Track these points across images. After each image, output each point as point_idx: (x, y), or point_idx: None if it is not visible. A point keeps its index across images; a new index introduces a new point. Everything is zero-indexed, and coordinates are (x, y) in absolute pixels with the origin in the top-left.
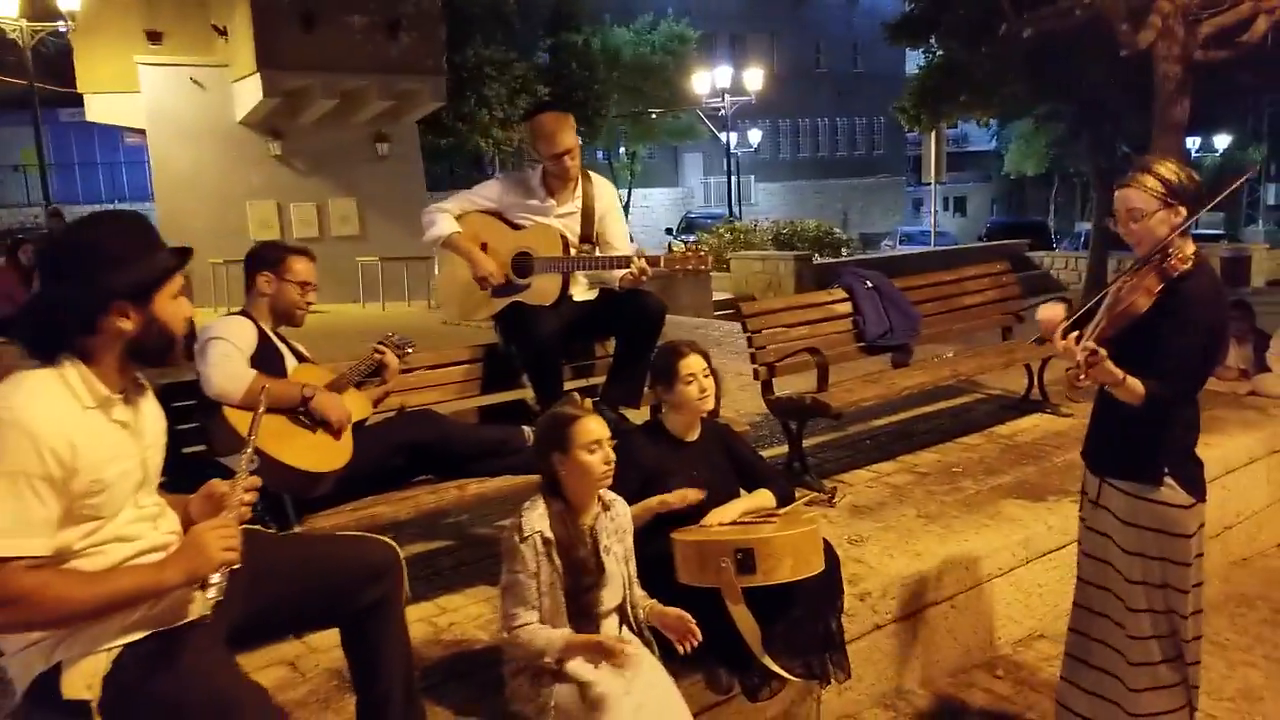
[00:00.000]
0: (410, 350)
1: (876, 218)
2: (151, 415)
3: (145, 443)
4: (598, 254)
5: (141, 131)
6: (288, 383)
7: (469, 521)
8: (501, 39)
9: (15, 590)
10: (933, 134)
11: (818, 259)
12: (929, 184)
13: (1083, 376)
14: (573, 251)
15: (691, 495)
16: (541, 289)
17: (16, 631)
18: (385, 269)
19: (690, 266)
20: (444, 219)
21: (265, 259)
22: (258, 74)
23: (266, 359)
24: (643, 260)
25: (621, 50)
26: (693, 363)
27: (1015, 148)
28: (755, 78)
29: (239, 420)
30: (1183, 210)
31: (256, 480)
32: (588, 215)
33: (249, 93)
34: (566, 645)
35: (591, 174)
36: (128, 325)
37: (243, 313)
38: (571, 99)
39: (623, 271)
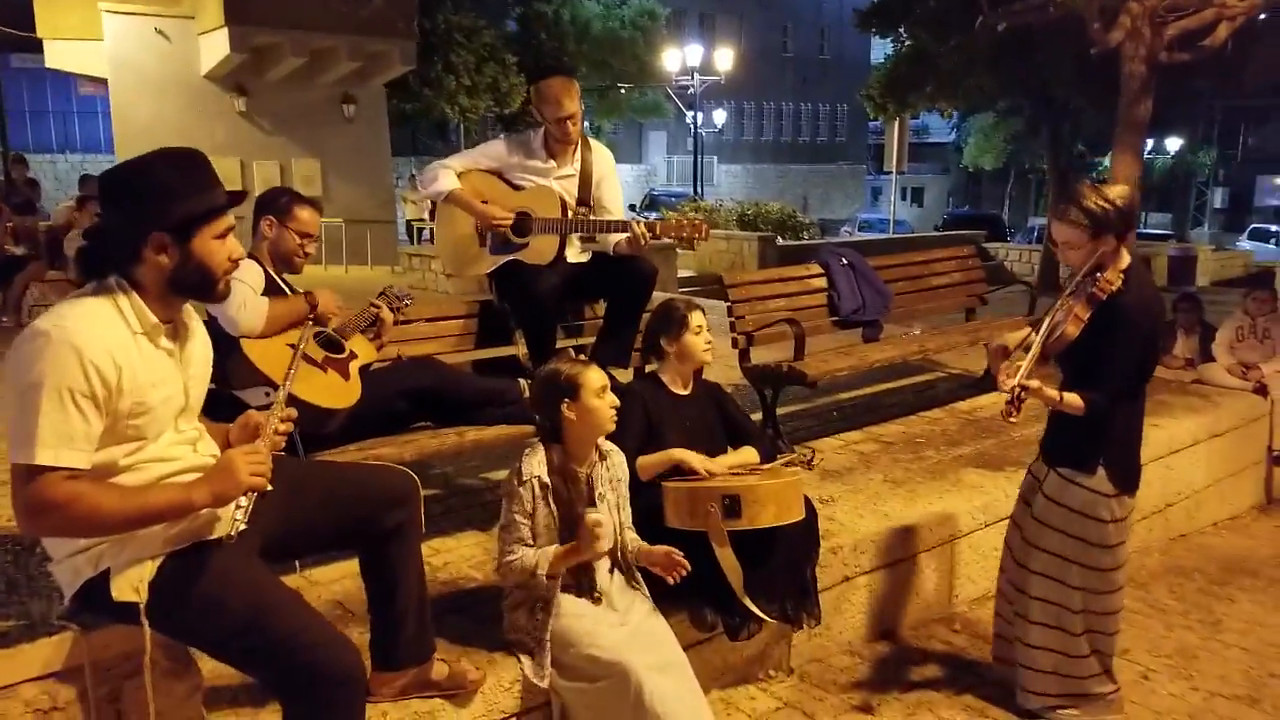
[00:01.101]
0: (408, 303)
1: (836, 204)
2: (198, 347)
3: (190, 372)
4: (594, 218)
5: (97, 81)
6: (289, 299)
7: (460, 470)
8: (471, 6)
9: (51, 498)
10: (895, 124)
11: (781, 241)
12: (889, 173)
13: (1014, 414)
14: (570, 214)
15: (712, 464)
16: (539, 249)
17: (52, 536)
18: (349, 231)
19: (687, 235)
20: (446, 174)
21: (272, 204)
22: (225, 28)
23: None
24: (642, 226)
25: (591, 23)
26: (700, 317)
27: (974, 141)
28: (726, 57)
29: (258, 355)
30: (1111, 238)
31: (292, 412)
32: (585, 179)
33: (215, 46)
34: (555, 560)
35: (591, 140)
36: (165, 260)
37: (250, 255)
38: (540, 69)
39: (619, 236)
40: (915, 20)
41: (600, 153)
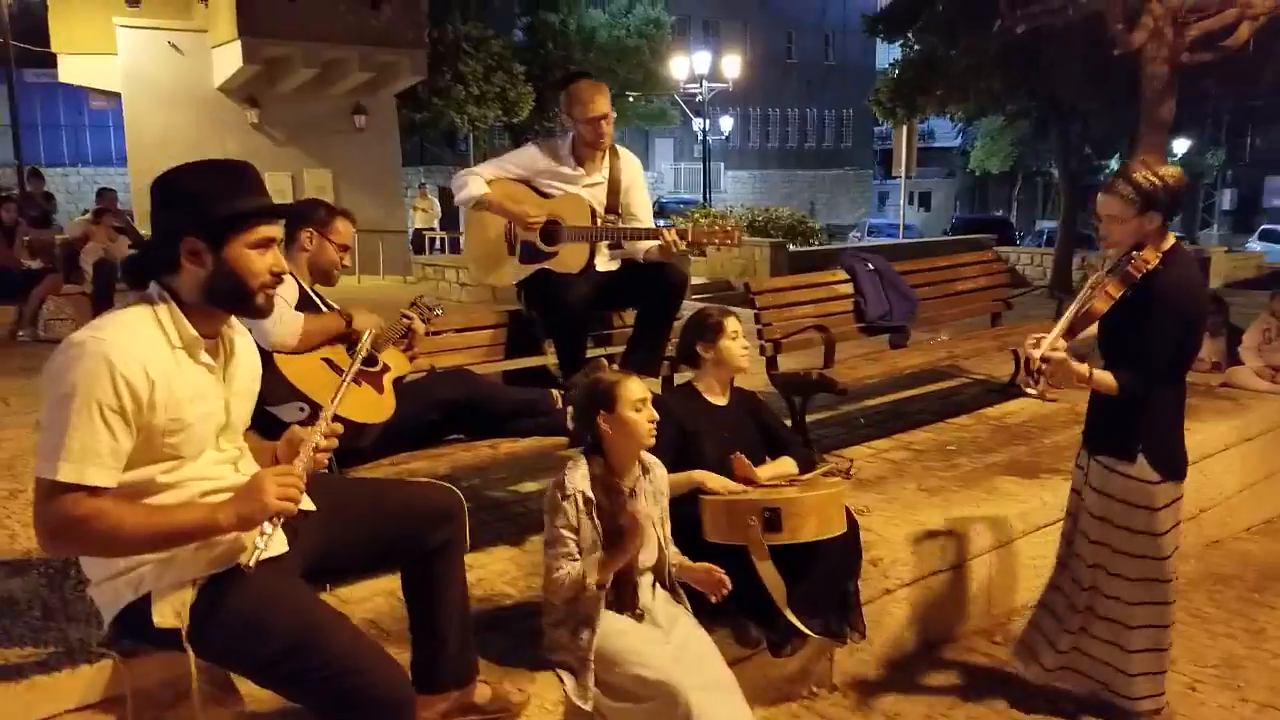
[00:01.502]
0: (439, 314)
1: (843, 209)
2: (244, 364)
3: (233, 388)
4: (623, 225)
5: (110, 95)
6: (325, 315)
7: (487, 482)
8: (479, 15)
9: (70, 515)
10: (904, 128)
11: (792, 247)
12: (896, 178)
13: (1031, 384)
14: (599, 222)
15: (733, 486)
16: (568, 257)
17: (72, 555)
18: (361, 242)
19: (719, 241)
20: (476, 181)
21: (311, 216)
22: (238, 40)
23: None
24: (674, 233)
25: (597, 32)
26: (736, 322)
27: (981, 145)
28: (733, 64)
29: (293, 371)
30: (1156, 216)
31: (337, 428)
32: (614, 187)
33: (228, 59)
34: (601, 562)
35: (619, 148)
36: (198, 267)
37: None
38: (548, 79)
39: (649, 243)
40: (924, 25)
41: (628, 160)
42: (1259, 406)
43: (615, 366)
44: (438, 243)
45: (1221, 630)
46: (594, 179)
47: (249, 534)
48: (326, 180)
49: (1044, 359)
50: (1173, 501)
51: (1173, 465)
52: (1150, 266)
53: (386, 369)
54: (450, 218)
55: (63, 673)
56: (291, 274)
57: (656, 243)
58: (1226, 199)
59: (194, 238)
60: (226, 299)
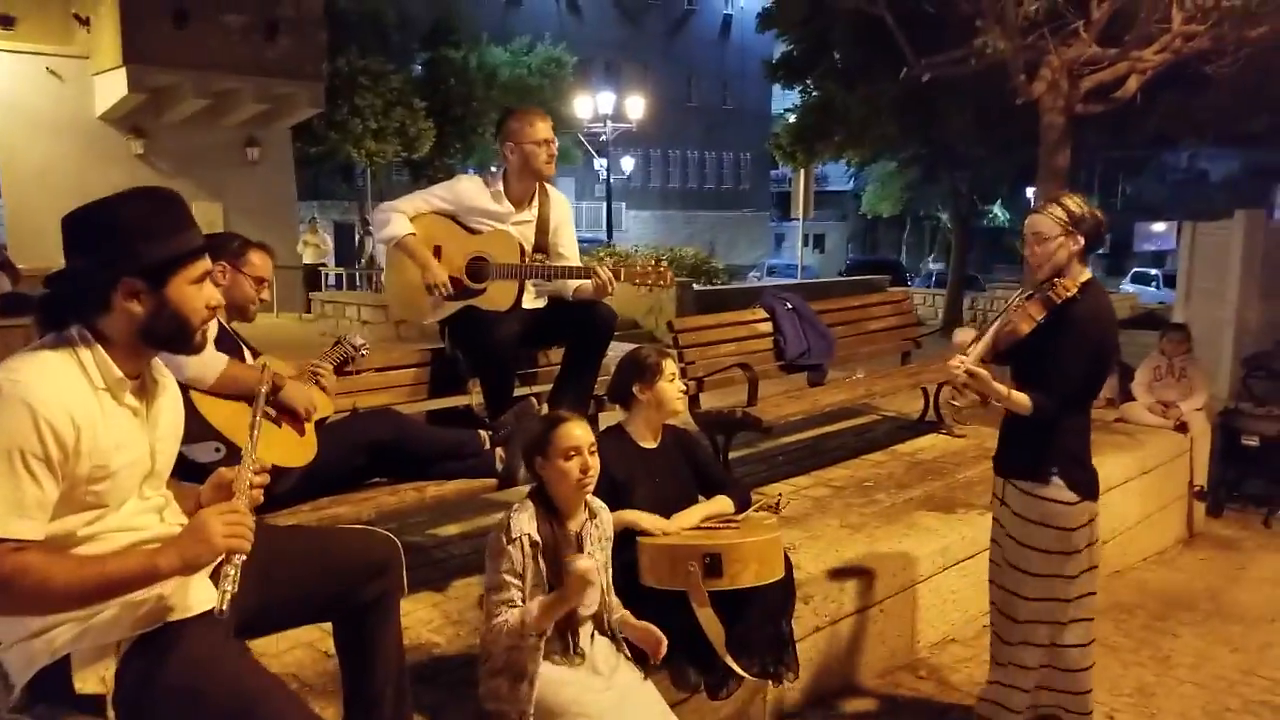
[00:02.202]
0: (365, 353)
1: (742, 249)
2: (168, 405)
3: (157, 433)
4: (550, 263)
5: None
6: (252, 368)
7: (405, 526)
8: (377, 49)
9: None
10: (802, 172)
11: (696, 287)
12: (793, 220)
13: (957, 399)
14: (527, 260)
15: (667, 525)
16: (496, 295)
17: (1, 615)
18: None
19: (651, 282)
20: (398, 219)
21: (224, 249)
22: (123, 68)
23: (226, 351)
24: (608, 273)
25: (499, 70)
26: (672, 364)
27: (872, 189)
28: (637, 105)
29: (209, 408)
30: (1080, 238)
31: (266, 463)
32: (543, 225)
33: (111, 87)
34: (541, 614)
35: (549, 187)
36: (137, 308)
37: None
38: (448, 114)
39: (579, 282)
40: (823, 72)
41: (558, 199)
42: (1152, 440)
43: (565, 413)
44: (331, 278)
45: (1131, 659)
46: (523, 216)
47: (199, 580)
48: (217, 214)
49: (969, 373)
50: (1089, 521)
51: (1086, 484)
52: (1070, 293)
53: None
54: (342, 253)
55: None
56: None
57: (587, 281)
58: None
59: (133, 279)
60: (164, 339)
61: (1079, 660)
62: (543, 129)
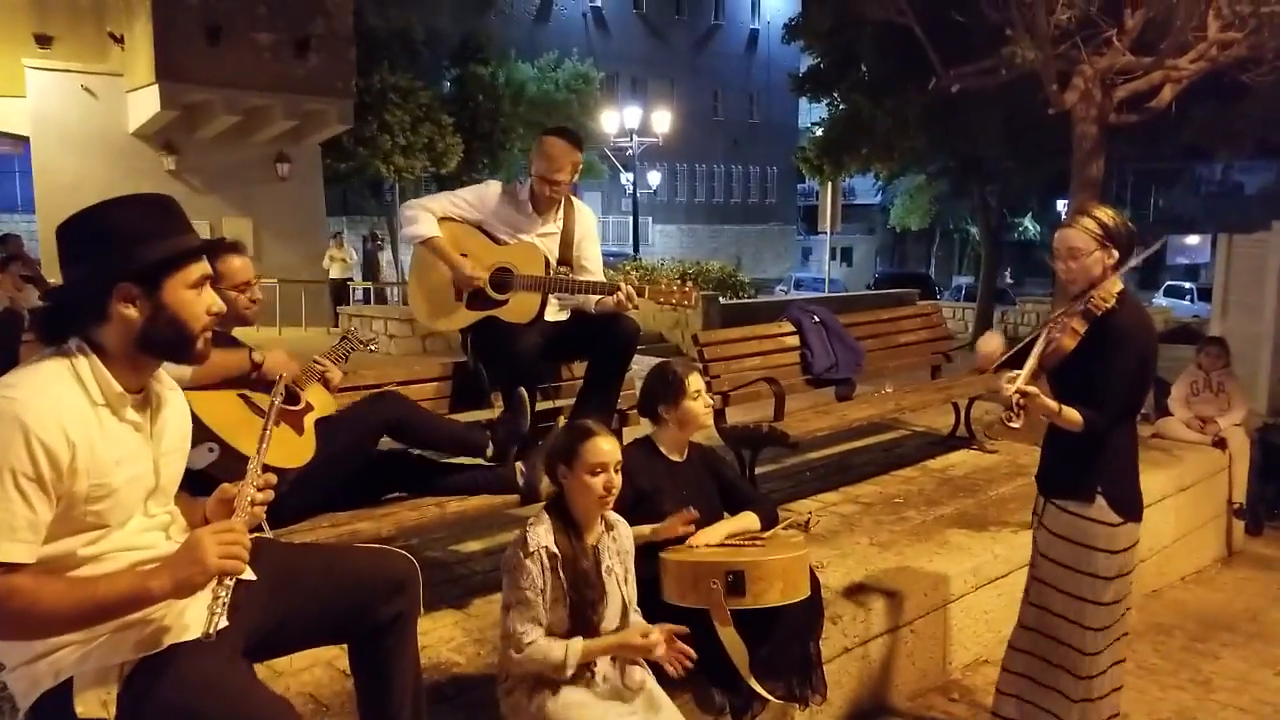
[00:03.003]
0: (373, 349)
1: (768, 263)
2: (173, 419)
3: (161, 448)
4: (578, 278)
5: (16, 139)
6: (233, 350)
7: (426, 543)
8: (406, 66)
9: None
10: (830, 185)
11: (723, 300)
12: (820, 233)
13: (1015, 418)
14: (551, 272)
15: (681, 528)
16: (519, 306)
17: None
18: (283, 292)
19: (675, 301)
20: (426, 218)
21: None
22: (155, 85)
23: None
24: (630, 289)
25: (526, 85)
26: (698, 379)
27: (900, 203)
28: (663, 120)
29: (202, 406)
30: (1115, 252)
31: (270, 478)
32: (567, 238)
33: (144, 104)
34: (586, 650)
35: (574, 200)
36: (132, 313)
37: None
38: (476, 130)
39: (599, 296)
40: (850, 85)
41: (583, 212)
42: (1190, 457)
43: (590, 423)
44: (359, 292)
45: (1170, 682)
46: (548, 228)
47: (198, 602)
48: (247, 229)
49: (1021, 393)
50: (1129, 547)
51: (1131, 505)
52: (1108, 304)
53: (310, 409)
54: (367, 267)
55: None
56: None
57: (614, 296)
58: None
59: (128, 284)
60: (164, 347)
61: (1089, 690)
62: (548, 166)
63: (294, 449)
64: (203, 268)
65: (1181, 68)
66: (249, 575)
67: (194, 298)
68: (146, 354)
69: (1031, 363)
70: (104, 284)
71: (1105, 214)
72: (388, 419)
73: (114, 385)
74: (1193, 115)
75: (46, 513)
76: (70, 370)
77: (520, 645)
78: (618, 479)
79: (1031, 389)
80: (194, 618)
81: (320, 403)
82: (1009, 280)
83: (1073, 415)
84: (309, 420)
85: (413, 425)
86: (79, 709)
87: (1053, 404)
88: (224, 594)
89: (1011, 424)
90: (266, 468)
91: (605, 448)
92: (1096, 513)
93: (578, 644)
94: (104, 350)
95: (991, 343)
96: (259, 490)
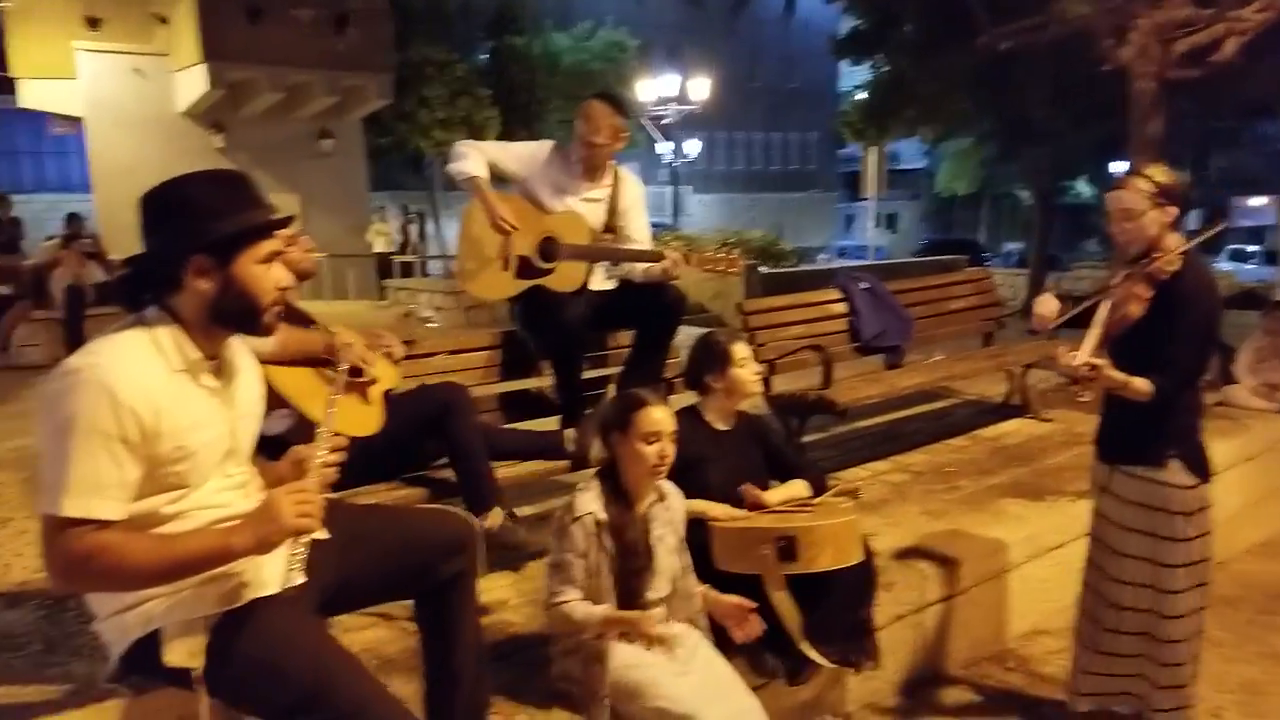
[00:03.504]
0: (432, 324)
1: (809, 232)
2: (246, 383)
3: (237, 412)
4: (620, 245)
5: (71, 120)
6: (306, 332)
7: None
8: (443, 39)
9: (77, 552)
10: (873, 150)
11: (764, 269)
12: (862, 200)
13: (1083, 395)
14: (596, 241)
15: (737, 513)
16: (565, 275)
17: (85, 592)
18: (330, 266)
19: (721, 269)
20: (476, 157)
21: None
22: (203, 65)
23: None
24: (677, 255)
25: (561, 55)
26: (744, 347)
27: (947, 167)
28: (701, 87)
29: (274, 376)
30: (1172, 210)
31: (341, 440)
32: (613, 206)
33: (192, 83)
34: (605, 620)
35: (621, 170)
36: (205, 285)
37: None
38: (512, 101)
39: (646, 265)
40: (893, 46)
41: (630, 182)
42: (1257, 425)
43: (642, 392)
44: (406, 265)
45: (1236, 655)
46: (593, 193)
47: (277, 560)
48: (294, 205)
49: (1090, 365)
50: (1202, 509)
51: (1202, 466)
52: (1174, 267)
53: (375, 381)
54: (405, 241)
55: (70, 711)
56: None
57: (661, 264)
58: (1192, 219)
59: (202, 255)
60: (234, 319)
61: (1176, 655)
62: (588, 129)
63: (362, 418)
64: (273, 244)
65: (1245, 18)
66: (322, 534)
67: (263, 272)
68: (217, 325)
69: (1096, 331)
70: (179, 255)
71: (1157, 171)
72: (447, 401)
73: (192, 352)
74: (1258, 69)
75: (134, 473)
76: (150, 338)
77: (551, 603)
78: (672, 449)
79: (1099, 360)
80: (272, 574)
81: (386, 376)
82: (1061, 246)
83: (1141, 385)
84: (375, 391)
85: (462, 410)
86: (167, 658)
87: (1120, 375)
88: (301, 550)
89: (1081, 398)
90: (310, 427)
91: (659, 417)
92: (1170, 476)
93: (598, 613)
94: (180, 318)
95: (1048, 304)
96: (331, 452)
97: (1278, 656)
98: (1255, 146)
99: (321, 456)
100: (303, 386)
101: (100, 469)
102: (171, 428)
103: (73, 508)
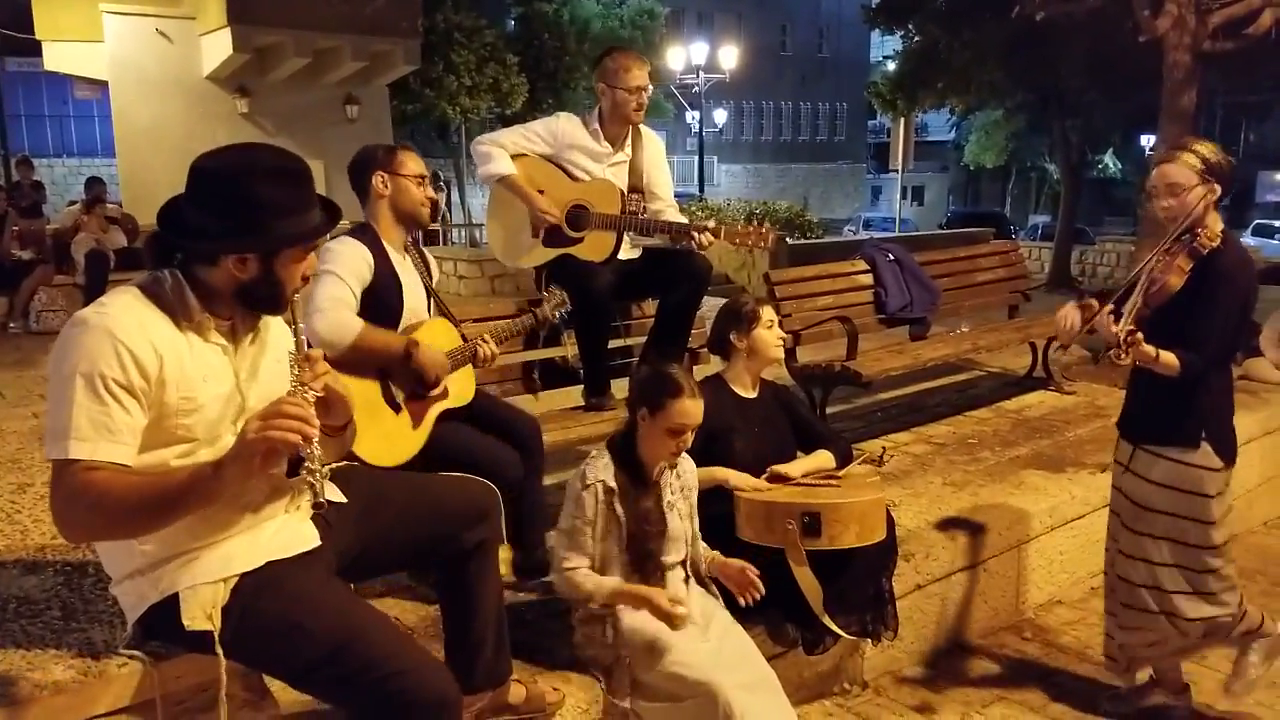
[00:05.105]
0: (561, 313)
1: (836, 203)
2: (269, 352)
3: (256, 376)
4: (655, 218)
5: (94, 84)
6: (394, 335)
7: None
8: (471, 5)
9: (69, 489)
10: (902, 121)
11: (790, 241)
12: (890, 172)
13: (1124, 355)
14: (626, 205)
15: (759, 483)
16: (594, 244)
17: (80, 538)
18: None
19: (751, 243)
20: (501, 156)
21: (374, 159)
22: (228, 28)
23: (382, 291)
24: (707, 233)
25: (591, 23)
26: (771, 311)
27: (975, 139)
28: (730, 55)
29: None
30: (1217, 187)
31: (315, 353)
32: (636, 166)
33: (217, 47)
34: (613, 593)
35: (641, 127)
36: (242, 274)
37: (362, 226)
38: (540, 69)
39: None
40: (926, 15)
41: (650, 139)
42: (1277, 399)
43: (676, 367)
44: (429, 234)
45: None
46: (618, 157)
47: (295, 521)
48: (319, 171)
49: (1131, 331)
50: (1227, 488)
51: (1232, 449)
52: (1215, 243)
53: (443, 396)
54: (432, 209)
55: (89, 677)
56: (373, 231)
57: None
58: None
59: (250, 252)
60: (258, 302)
61: (1199, 629)
62: (638, 75)
63: (401, 445)
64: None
65: None
66: (339, 497)
67: (296, 267)
68: (240, 302)
69: (1134, 300)
70: (229, 246)
71: (1206, 148)
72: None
73: (197, 308)
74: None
75: (141, 418)
76: (160, 292)
77: (559, 568)
78: (690, 440)
79: (1137, 330)
80: (291, 536)
81: (456, 392)
82: (1087, 219)
83: (1170, 360)
84: (433, 411)
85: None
86: (186, 622)
87: (1150, 349)
88: (315, 465)
89: (1121, 361)
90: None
91: (692, 410)
92: (1202, 458)
93: (607, 585)
94: (203, 284)
95: (1070, 317)
96: (305, 363)
97: None
98: None
99: (297, 373)
100: (359, 397)
101: (108, 413)
102: (178, 377)
103: (80, 450)
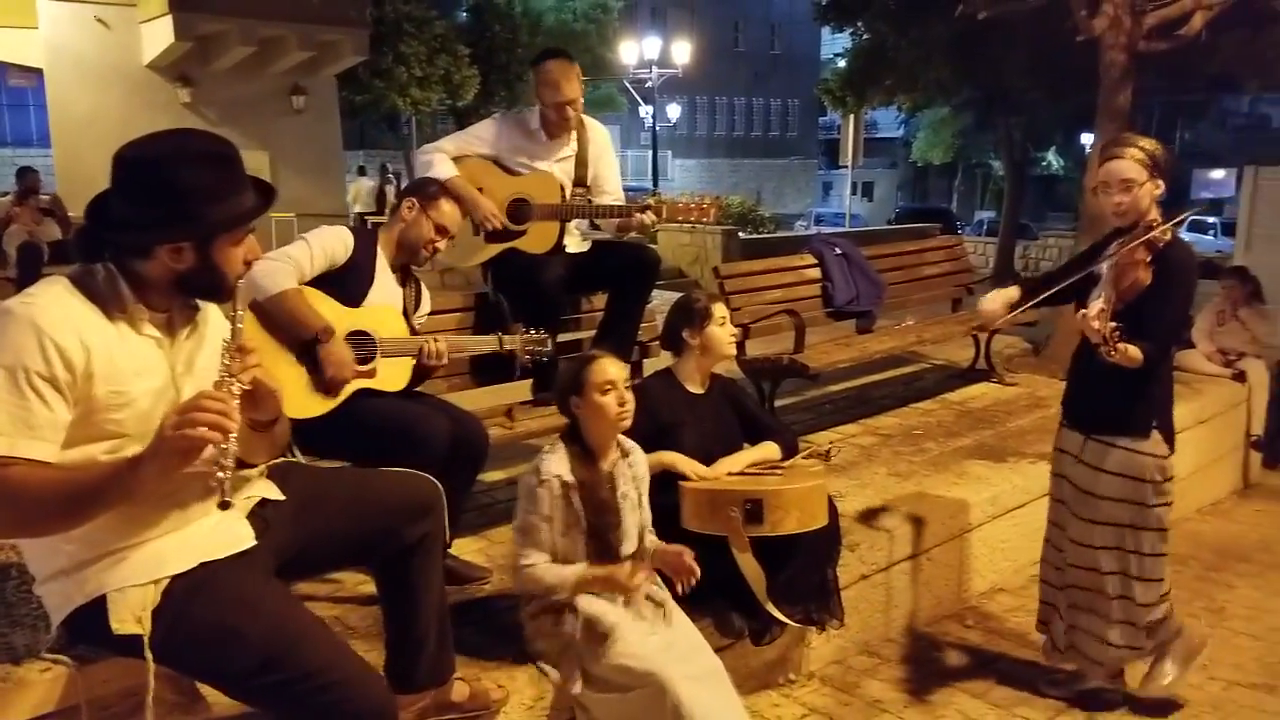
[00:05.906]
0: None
1: (789, 198)
2: (207, 346)
3: (182, 366)
4: (592, 200)
5: (29, 72)
6: (312, 312)
7: None
8: None
9: None
10: (851, 118)
11: (743, 235)
12: (841, 168)
13: (1113, 352)
14: (568, 198)
15: (705, 471)
16: (538, 236)
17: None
18: (301, 226)
19: (695, 218)
20: (442, 161)
21: (422, 189)
22: (169, 15)
23: (349, 277)
24: (651, 217)
25: (544, 15)
26: (723, 308)
27: (923, 136)
28: (683, 50)
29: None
30: (1161, 182)
31: (247, 344)
32: (582, 159)
33: (158, 35)
34: (579, 581)
35: (586, 119)
36: (178, 264)
37: (370, 228)
38: (493, 61)
39: (620, 220)
40: (874, 13)
41: (596, 131)
42: (1210, 390)
43: (597, 352)
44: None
45: (1184, 610)
46: (563, 152)
47: (229, 521)
48: (264, 163)
49: (1115, 328)
50: (1173, 476)
51: (1172, 435)
52: (1168, 237)
53: (370, 375)
54: (379, 201)
55: (9, 683)
56: (373, 236)
57: (632, 219)
58: None
59: (183, 241)
60: (200, 291)
61: (1162, 611)
62: (565, 90)
63: (302, 402)
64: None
65: None
66: (276, 495)
67: (236, 252)
68: (180, 293)
69: (1108, 296)
70: (159, 237)
71: (1149, 143)
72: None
73: (130, 298)
74: (1222, 44)
75: (64, 414)
76: (90, 283)
77: (519, 565)
78: (629, 395)
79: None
80: (226, 536)
81: (386, 375)
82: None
83: (1135, 352)
84: (351, 387)
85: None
86: (114, 625)
87: (1128, 346)
88: (225, 461)
89: (1111, 357)
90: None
91: (611, 369)
92: (1152, 447)
93: (572, 574)
94: (138, 277)
95: (994, 301)
96: (234, 354)
97: (1223, 611)
98: (1219, 120)
99: (225, 363)
100: (282, 376)
101: (28, 408)
102: (107, 371)
103: (1, 446)
